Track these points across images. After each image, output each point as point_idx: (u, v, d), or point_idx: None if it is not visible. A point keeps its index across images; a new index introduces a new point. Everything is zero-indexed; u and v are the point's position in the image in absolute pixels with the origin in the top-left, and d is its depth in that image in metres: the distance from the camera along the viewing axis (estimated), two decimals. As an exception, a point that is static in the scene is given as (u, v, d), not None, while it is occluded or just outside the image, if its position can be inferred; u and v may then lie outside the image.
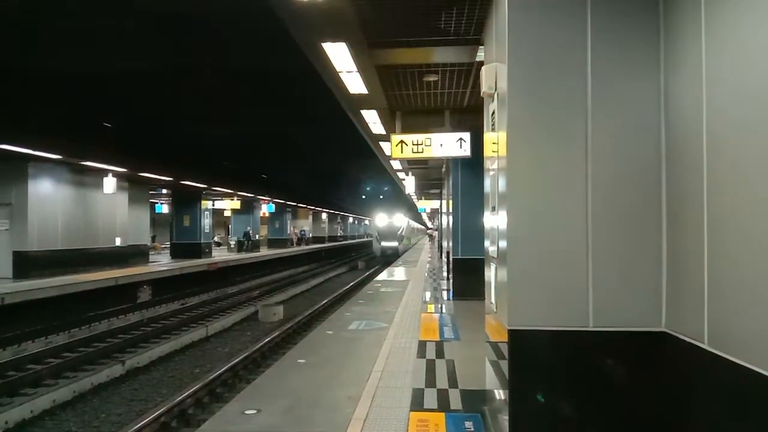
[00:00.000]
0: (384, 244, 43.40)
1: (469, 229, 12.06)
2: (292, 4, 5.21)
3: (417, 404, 5.35)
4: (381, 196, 54.90)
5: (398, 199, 48.90)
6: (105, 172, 18.72)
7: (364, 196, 55.75)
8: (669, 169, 3.38)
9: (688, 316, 3.06)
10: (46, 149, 15.28)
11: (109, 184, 19.00)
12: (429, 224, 71.46)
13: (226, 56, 12.08)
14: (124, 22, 10.12)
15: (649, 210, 3.47)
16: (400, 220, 45.67)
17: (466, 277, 12.02)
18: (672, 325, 3.30)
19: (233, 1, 8.99)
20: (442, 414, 5.06)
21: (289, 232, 45.10)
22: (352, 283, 26.64)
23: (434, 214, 42.97)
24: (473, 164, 10.66)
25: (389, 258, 38.65)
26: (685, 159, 3.12)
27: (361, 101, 9.15)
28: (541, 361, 3.60)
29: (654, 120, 3.46)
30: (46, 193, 17.40)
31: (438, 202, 29.63)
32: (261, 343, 12.52)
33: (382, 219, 45.46)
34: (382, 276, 20.16)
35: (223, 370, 10.04)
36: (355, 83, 7.90)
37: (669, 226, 3.38)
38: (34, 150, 14.94)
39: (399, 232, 44.62)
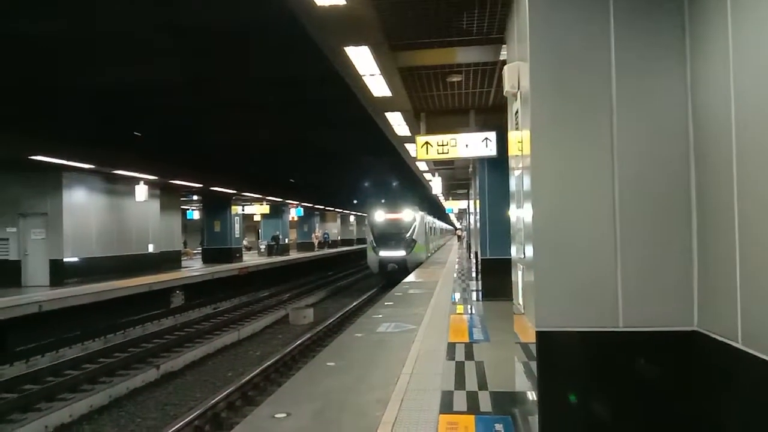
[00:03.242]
0: (383, 254, 26.89)
1: (497, 229, 11.96)
2: (314, 10, 5.26)
3: (446, 407, 5.33)
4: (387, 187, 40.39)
5: (410, 186, 33.65)
6: (137, 181, 19.12)
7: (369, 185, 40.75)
8: (698, 165, 3.30)
9: (720, 314, 2.98)
10: (80, 159, 15.66)
11: (141, 191, 19.38)
12: (457, 224, 71.13)
13: (252, 64, 12.22)
14: (153, 35, 10.32)
15: (677, 206, 3.39)
16: (408, 215, 28.39)
17: (496, 277, 11.88)
18: (704, 324, 3.23)
19: (256, 10, 9.10)
20: (472, 416, 5.03)
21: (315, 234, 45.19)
22: (380, 285, 26.67)
23: (462, 214, 42.10)
24: (499, 164, 10.50)
25: (393, 276, 24.66)
26: (714, 153, 3.05)
27: (385, 103, 9.16)
28: (570, 362, 3.55)
29: (681, 115, 3.38)
30: (81, 202, 17.81)
31: (465, 202, 29.50)
32: (291, 347, 12.63)
33: (379, 215, 28.51)
34: (410, 277, 20.12)
35: (255, 373, 10.16)
36: (378, 86, 7.92)
37: (699, 222, 3.31)
38: (68, 161, 15.33)
39: (408, 235, 27.57)
